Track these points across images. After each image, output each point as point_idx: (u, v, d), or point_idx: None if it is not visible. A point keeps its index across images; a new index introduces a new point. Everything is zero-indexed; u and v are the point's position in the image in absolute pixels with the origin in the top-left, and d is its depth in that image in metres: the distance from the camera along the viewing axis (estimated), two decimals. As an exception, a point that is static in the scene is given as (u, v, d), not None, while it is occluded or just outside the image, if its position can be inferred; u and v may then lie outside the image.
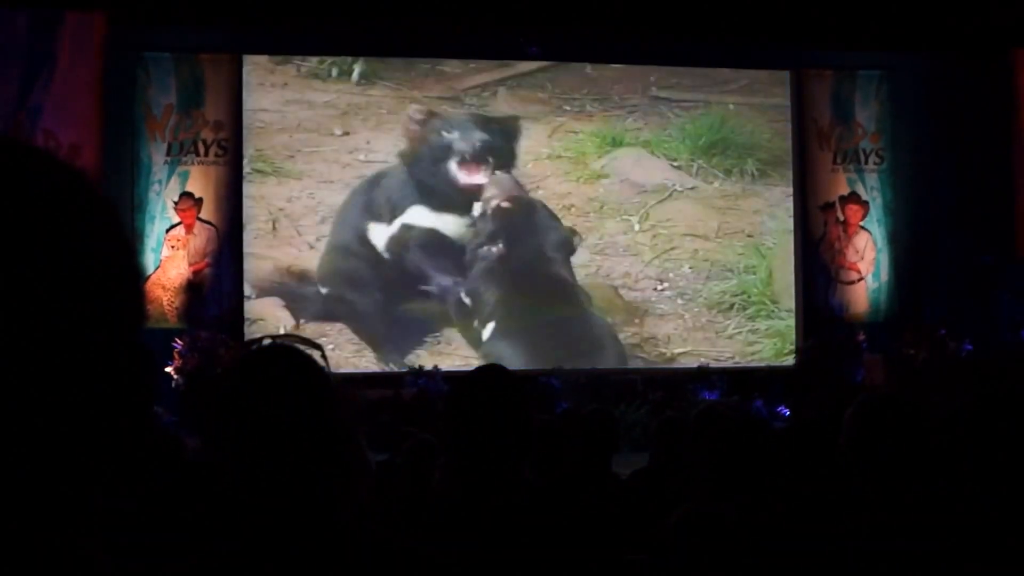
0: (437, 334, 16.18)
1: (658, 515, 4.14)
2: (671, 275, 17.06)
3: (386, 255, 16.18)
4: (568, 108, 17.04)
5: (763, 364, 16.96)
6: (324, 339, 14.86)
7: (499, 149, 16.64)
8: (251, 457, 1.93)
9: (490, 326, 16.26)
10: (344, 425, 2.03)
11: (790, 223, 17.52)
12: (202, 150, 15.87)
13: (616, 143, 17.07)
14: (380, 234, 16.22)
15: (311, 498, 1.93)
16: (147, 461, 6.02)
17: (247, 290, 15.81)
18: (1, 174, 0.85)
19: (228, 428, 1.96)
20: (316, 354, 2.03)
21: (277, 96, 16.21)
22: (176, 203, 15.71)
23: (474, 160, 16.45)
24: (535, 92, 16.98)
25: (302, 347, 2.04)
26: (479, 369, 3.10)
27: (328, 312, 15.99)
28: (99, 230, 0.89)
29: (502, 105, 16.82)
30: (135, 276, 0.93)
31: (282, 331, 15.00)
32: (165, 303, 15.43)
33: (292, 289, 15.95)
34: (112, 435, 0.88)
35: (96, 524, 0.89)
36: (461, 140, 16.46)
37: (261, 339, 2.06)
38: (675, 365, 16.70)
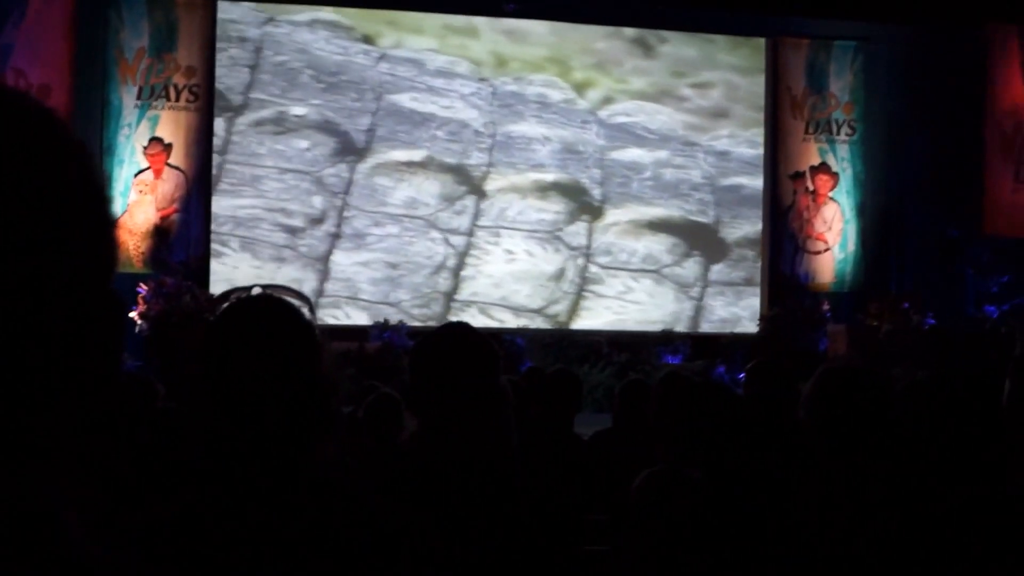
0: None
1: (620, 477, 4.17)
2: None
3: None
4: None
5: (726, 330, 17.03)
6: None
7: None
8: (234, 406, 1.93)
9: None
10: (327, 380, 2.04)
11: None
12: (173, 95, 15.76)
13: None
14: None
15: (291, 450, 1.94)
16: (119, 406, 6.01)
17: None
18: None
19: (213, 376, 1.96)
20: (304, 307, 2.03)
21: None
22: (145, 148, 15.60)
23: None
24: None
25: (290, 299, 2.04)
26: (445, 327, 3.09)
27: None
28: (72, 174, 0.88)
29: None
30: (107, 221, 0.92)
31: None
32: (131, 248, 15.33)
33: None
34: (81, 381, 0.88)
35: (68, 468, 0.89)
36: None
37: (250, 288, 2.06)
38: (640, 328, 16.77)
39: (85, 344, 0.88)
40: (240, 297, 2.05)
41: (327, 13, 16.46)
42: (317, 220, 16.23)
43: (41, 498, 0.86)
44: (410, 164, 16.55)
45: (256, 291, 2.06)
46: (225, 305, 2.05)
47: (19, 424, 0.84)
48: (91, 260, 0.89)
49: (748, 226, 17.65)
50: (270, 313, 2.01)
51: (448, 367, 2.88)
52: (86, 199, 0.89)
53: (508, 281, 16.69)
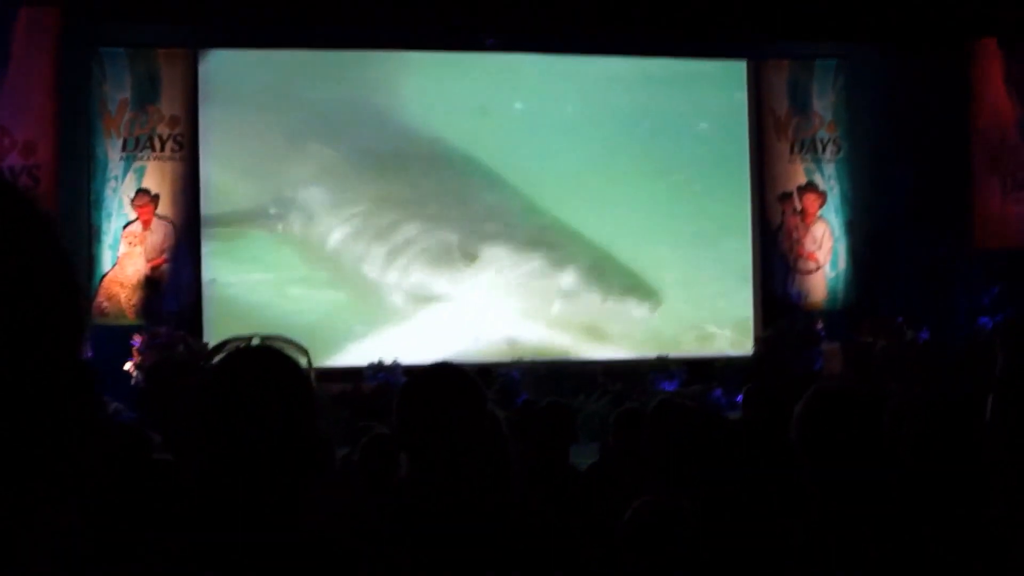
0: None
1: (615, 508, 4.16)
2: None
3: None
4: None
5: (722, 354, 17.01)
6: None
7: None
8: (229, 455, 1.94)
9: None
10: (321, 429, 2.05)
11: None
12: (158, 145, 15.79)
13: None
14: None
15: (284, 502, 1.94)
16: (112, 458, 5.99)
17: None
18: None
19: (209, 426, 1.96)
20: (301, 359, 2.04)
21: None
22: (133, 199, 15.63)
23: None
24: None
25: (288, 350, 2.04)
26: (431, 366, 3.09)
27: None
28: (36, 248, 0.89)
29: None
30: (74, 293, 0.93)
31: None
32: (123, 300, 15.36)
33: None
34: (53, 449, 0.88)
35: (44, 533, 0.89)
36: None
37: (250, 338, 2.06)
38: (634, 355, 16.71)
39: (58, 412, 0.88)
40: (238, 347, 2.06)
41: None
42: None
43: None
44: None
45: (255, 341, 2.06)
46: (222, 354, 2.06)
47: None
48: (57, 331, 0.89)
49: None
50: (266, 362, 2.02)
51: (434, 405, 2.88)
52: (51, 271, 0.90)
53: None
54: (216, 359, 2.08)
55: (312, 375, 2.06)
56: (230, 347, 2.08)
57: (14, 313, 0.85)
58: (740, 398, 15.05)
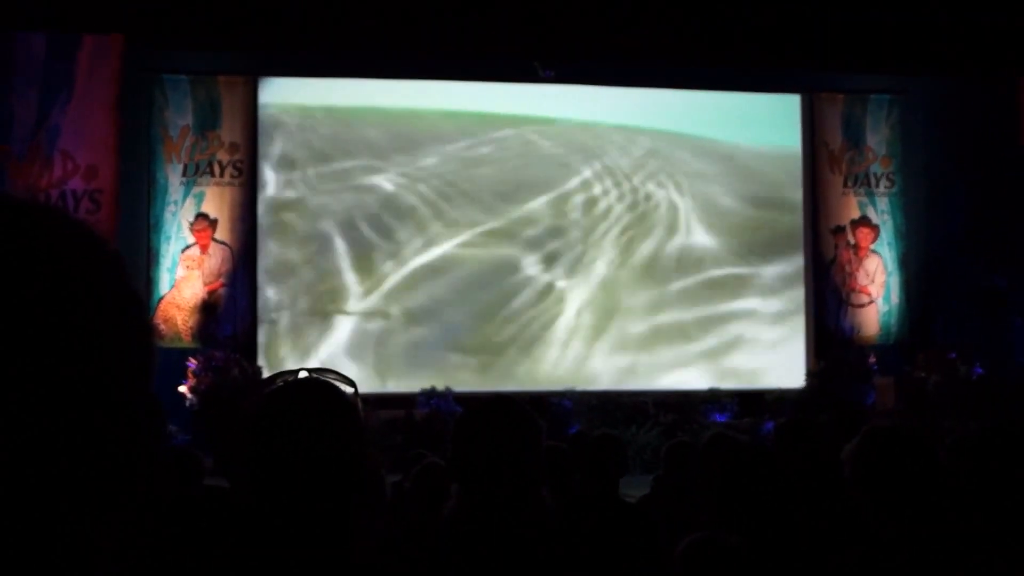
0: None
1: (666, 542, 4.19)
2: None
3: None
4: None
5: (773, 386, 16.92)
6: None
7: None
8: (280, 488, 1.97)
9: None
10: (371, 460, 2.07)
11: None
12: (217, 171, 15.96)
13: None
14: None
15: (334, 531, 1.97)
16: (165, 482, 6.06)
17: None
18: (10, 235, 0.89)
19: (258, 458, 1.99)
20: (348, 389, 2.06)
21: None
22: (192, 223, 15.80)
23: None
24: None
25: (335, 381, 2.07)
26: (489, 399, 3.10)
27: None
28: (108, 286, 0.93)
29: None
30: (144, 331, 0.96)
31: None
32: (180, 323, 15.50)
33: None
34: (120, 485, 0.92)
35: (102, 569, 0.92)
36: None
37: (297, 371, 2.09)
38: (686, 387, 16.67)
39: (126, 448, 0.91)
40: (286, 380, 2.09)
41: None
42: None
43: None
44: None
45: (302, 374, 2.09)
46: (271, 389, 2.08)
47: (56, 528, 0.88)
48: (129, 367, 0.93)
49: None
50: (314, 396, 2.04)
51: (490, 439, 2.90)
52: (121, 308, 0.93)
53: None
54: (264, 392, 2.10)
55: (359, 405, 2.07)
56: (278, 381, 2.10)
57: (89, 353, 0.89)
58: (769, 426, 14.90)
